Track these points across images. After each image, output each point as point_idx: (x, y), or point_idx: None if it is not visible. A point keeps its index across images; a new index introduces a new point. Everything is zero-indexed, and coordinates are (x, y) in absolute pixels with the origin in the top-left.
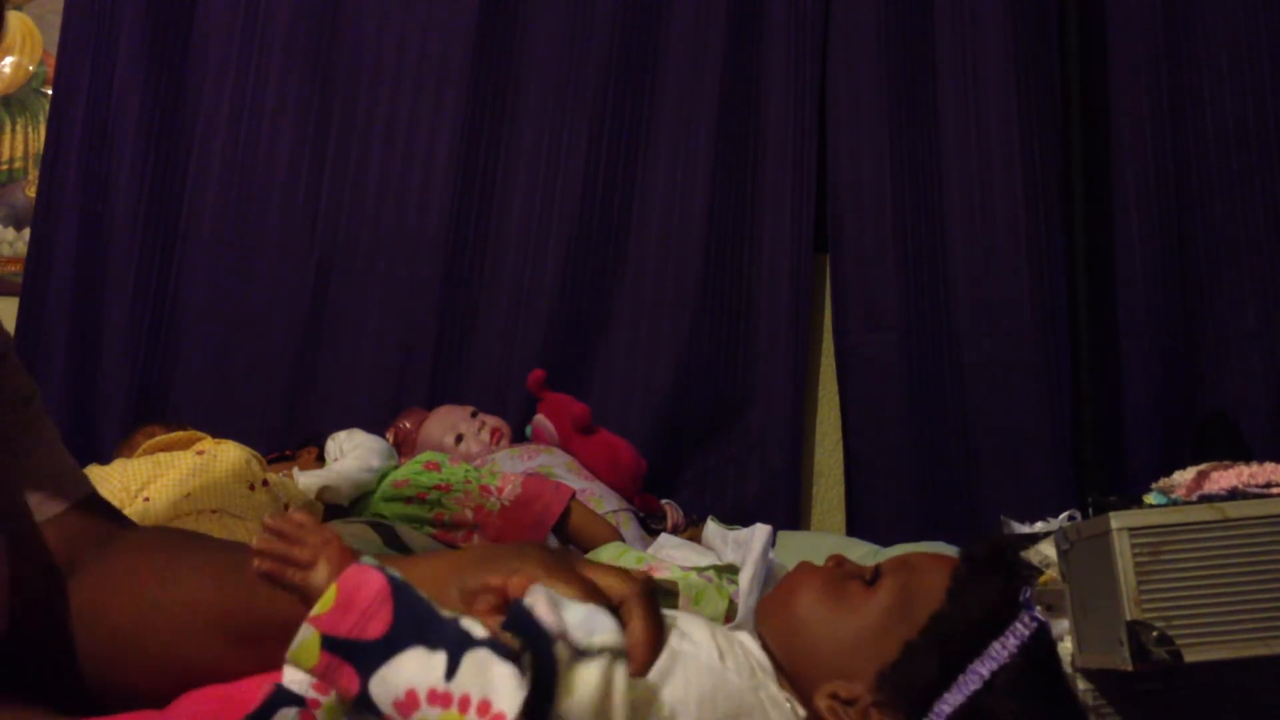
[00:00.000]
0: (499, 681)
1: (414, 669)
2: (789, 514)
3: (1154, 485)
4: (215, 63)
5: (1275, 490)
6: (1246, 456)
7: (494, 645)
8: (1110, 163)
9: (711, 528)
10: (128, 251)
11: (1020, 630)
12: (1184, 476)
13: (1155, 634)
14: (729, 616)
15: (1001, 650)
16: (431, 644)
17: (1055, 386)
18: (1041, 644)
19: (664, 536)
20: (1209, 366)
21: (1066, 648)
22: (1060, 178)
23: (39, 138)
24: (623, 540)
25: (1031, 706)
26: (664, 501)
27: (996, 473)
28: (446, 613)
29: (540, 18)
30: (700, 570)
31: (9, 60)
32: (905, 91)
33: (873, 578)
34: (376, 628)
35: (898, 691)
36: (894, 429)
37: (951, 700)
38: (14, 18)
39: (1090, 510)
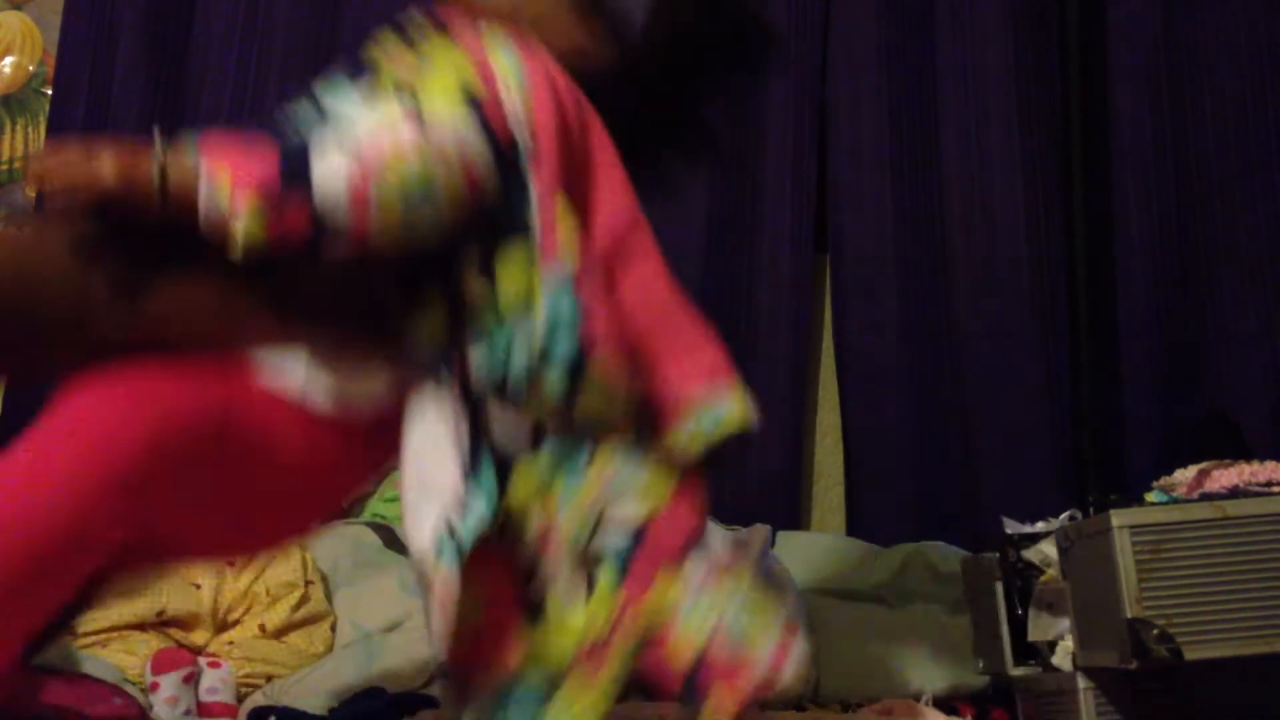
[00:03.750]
0: None
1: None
2: (789, 514)
3: (1155, 484)
4: (215, 63)
5: (1276, 489)
6: (1247, 456)
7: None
8: (1110, 163)
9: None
10: None
11: None
12: (1185, 475)
13: (1156, 632)
14: None
15: None
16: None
17: (1055, 386)
18: None
19: None
20: (1209, 366)
21: (1067, 646)
22: (1060, 178)
23: (39, 138)
24: None
25: None
26: None
27: (996, 473)
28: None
29: None
30: None
31: (9, 60)
32: (905, 93)
33: None
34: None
35: None
36: (894, 429)
37: None
38: (14, 17)
39: (1091, 509)
